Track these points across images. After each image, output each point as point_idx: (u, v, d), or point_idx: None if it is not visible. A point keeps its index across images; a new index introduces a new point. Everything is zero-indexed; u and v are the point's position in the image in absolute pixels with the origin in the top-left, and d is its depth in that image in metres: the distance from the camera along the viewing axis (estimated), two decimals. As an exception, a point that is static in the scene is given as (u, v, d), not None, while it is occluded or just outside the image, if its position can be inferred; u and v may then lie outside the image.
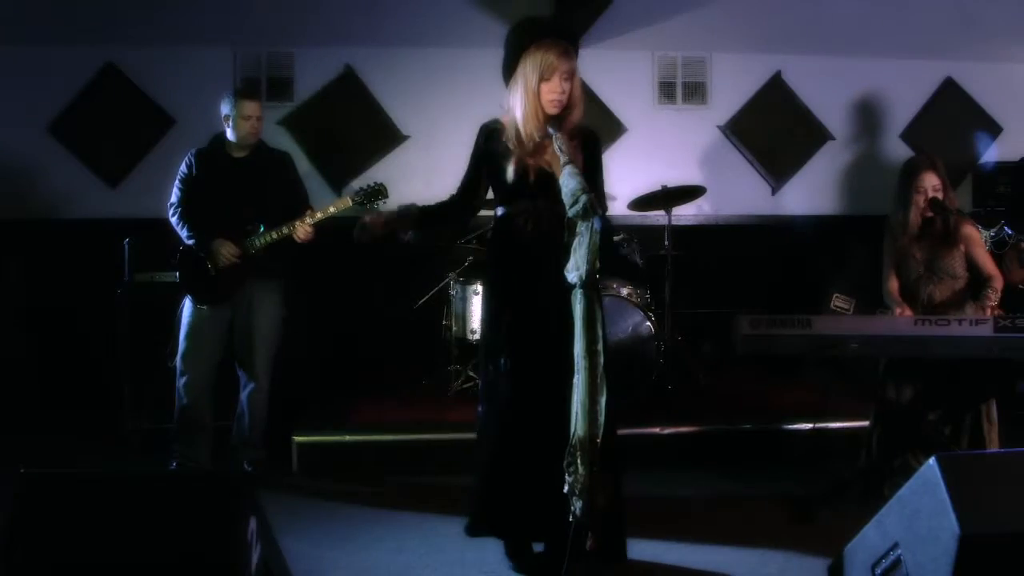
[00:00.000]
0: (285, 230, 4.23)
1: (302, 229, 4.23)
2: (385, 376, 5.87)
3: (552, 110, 2.96)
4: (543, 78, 2.92)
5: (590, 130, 3.16)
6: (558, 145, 2.84)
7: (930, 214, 3.91)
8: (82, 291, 5.58)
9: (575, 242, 2.52)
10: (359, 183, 6.14)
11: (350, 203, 4.33)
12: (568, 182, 2.61)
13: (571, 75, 2.96)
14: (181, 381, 4.30)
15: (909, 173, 4.00)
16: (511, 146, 3.02)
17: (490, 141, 3.12)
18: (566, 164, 2.74)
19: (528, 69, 2.94)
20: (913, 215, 3.95)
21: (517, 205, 3.02)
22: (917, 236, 3.97)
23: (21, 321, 5.81)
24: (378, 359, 6.01)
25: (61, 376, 5.59)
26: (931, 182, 3.92)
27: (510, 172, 3.00)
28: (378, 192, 4.39)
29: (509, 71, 3.05)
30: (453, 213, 3.31)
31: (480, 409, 3.18)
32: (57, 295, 5.79)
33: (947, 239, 3.92)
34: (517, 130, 3.02)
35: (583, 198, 2.50)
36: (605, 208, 3.17)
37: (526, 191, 3.01)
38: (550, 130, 2.94)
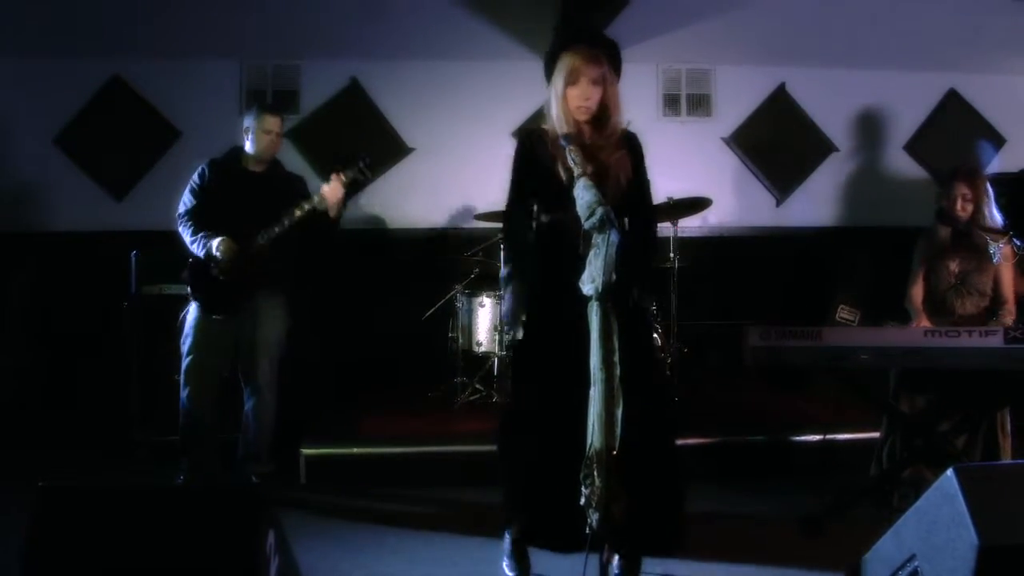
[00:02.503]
0: (286, 221, 4.16)
1: (333, 189, 4.15)
2: (392, 388, 5.87)
3: (581, 116, 2.93)
4: (568, 82, 2.91)
5: (630, 133, 3.10)
6: (571, 157, 2.83)
7: (956, 225, 3.93)
8: (89, 303, 5.60)
9: (591, 254, 2.51)
10: (365, 196, 6.23)
11: (344, 180, 4.21)
12: (583, 194, 2.61)
13: (600, 81, 2.92)
14: (184, 393, 4.27)
15: (943, 182, 4.04)
16: (557, 153, 2.95)
17: (537, 146, 3.03)
18: (580, 176, 2.73)
19: (558, 74, 2.94)
20: (941, 226, 3.99)
21: (571, 211, 2.84)
22: (953, 247, 3.99)
23: (28, 333, 5.82)
24: (385, 371, 6.00)
25: (69, 388, 5.59)
26: (960, 191, 3.93)
27: (562, 176, 2.91)
28: (359, 160, 4.27)
29: (548, 78, 3.03)
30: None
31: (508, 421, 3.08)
32: (64, 307, 5.80)
33: (984, 255, 3.92)
34: (555, 134, 2.98)
35: (599, 210, 2.50)
36: (653, 217, 3.14)
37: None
38: (562, 142, 2.92)
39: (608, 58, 2.97)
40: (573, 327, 2.83)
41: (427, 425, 5.00)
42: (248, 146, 4.31)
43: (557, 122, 2.96)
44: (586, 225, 2.55)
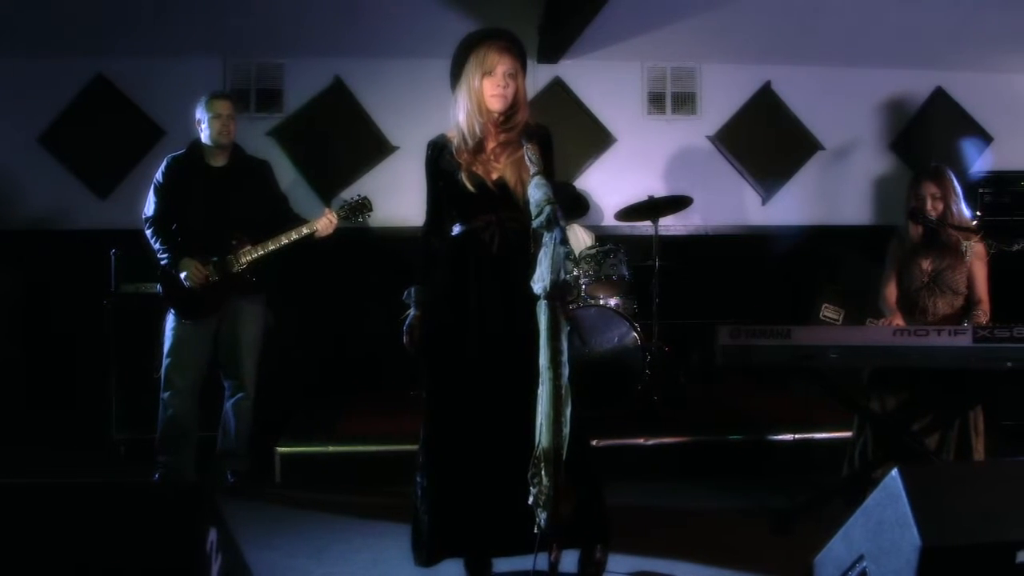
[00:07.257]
0: (272, 246, 4.24)
1: (324, 222, 4.30)
2: (371, 387, 5.86)
3: (495, 105, 2.97)
4: (486, 73, 2.95)
5: (541, 126, 3.11)
6: (528, 156, 2.84)
7: (929, 224, 3.93)
8: (70, 301, 5.62)
9: (540, 253, 2.51)
10: (348, 194, 6.20)
11: (335, 220, 4.33)
12: (534, 193, 2.61)
13: (515, 74, 2.98)
14: (166, 393, 4.27)
15: (912, 182, 4.04)
16: (462, 159, 3.02)
17: (442, 156, 3.10)
18: (535, 175, 2.73)
19: (471, 68, 2.98)
20: (912, 225, 3.98)
21: (479, 219, 3.01)
22: (925, 246, 3.98)
23: (8, 331, 5.83)
24: (364, 370, 6.00)
25: (48, 386, 5.61)
26: (929, 191, 3.93)
27: (468, 186, 2.99)
28: (362, 206, 4.43)
29: (455, 82, 3.08)
30: (440, 252, 3.21)
31: (427, 430, 3.17)
32: (45, 305, 5.82)
33: (956, 253, 3.92)
34: (464, 139, 3.02)
35: (547, 209, 2.50)
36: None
37: (486, 204, 3.00)
38: (522, 140, 2.94)
39: (519, 55, 3.02)
40: (484, 333, 2.94)
41: (405, 423, 4.91)
42: (203, 137, 4.31)
43: (472, 114, 2.99)
44: (534, 224, 2.55)
